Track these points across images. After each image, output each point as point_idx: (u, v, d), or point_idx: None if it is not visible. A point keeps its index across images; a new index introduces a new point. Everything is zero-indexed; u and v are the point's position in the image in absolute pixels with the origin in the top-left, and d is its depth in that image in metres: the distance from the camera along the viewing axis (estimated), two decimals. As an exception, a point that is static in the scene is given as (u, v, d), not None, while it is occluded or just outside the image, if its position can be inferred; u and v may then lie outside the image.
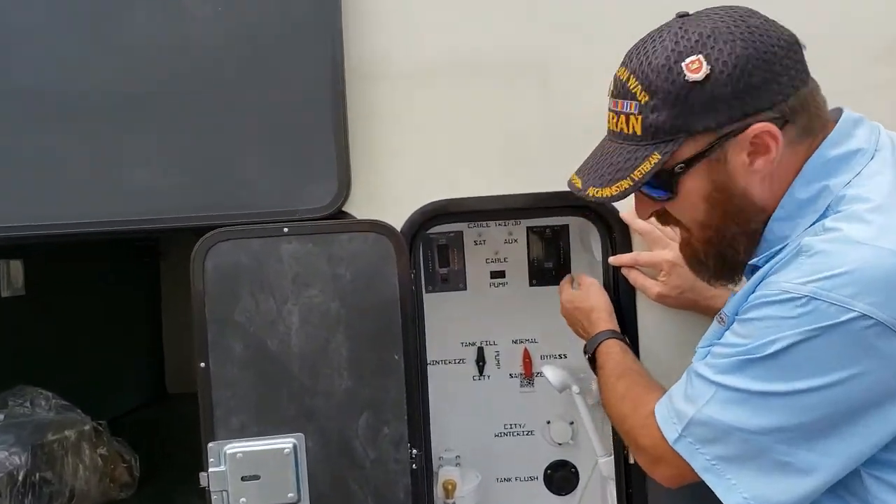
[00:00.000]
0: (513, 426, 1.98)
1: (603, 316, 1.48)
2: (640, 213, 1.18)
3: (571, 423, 1.96)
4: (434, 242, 1.94)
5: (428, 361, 1.91)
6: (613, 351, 1.40)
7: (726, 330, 1.09)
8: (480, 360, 1.96)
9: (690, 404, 1.06)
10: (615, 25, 1.45)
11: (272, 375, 1.43)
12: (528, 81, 1.51)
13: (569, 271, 1.95)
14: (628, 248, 1.52)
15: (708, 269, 1.16)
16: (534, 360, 1.96)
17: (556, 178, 1.52)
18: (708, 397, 1.04)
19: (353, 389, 1.45)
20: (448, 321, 1.94)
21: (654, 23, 1.11)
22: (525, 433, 1.98)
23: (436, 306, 1.91)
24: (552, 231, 1.94)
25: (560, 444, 1.96)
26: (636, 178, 1.06)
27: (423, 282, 1.88)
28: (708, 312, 1.48)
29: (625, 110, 1.07)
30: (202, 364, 1.41)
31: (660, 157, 1.04)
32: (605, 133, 1.16)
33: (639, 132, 1.05)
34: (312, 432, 1.45)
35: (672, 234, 1.49)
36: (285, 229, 1.42)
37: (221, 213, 1.40)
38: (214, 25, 1.42)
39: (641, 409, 1.19)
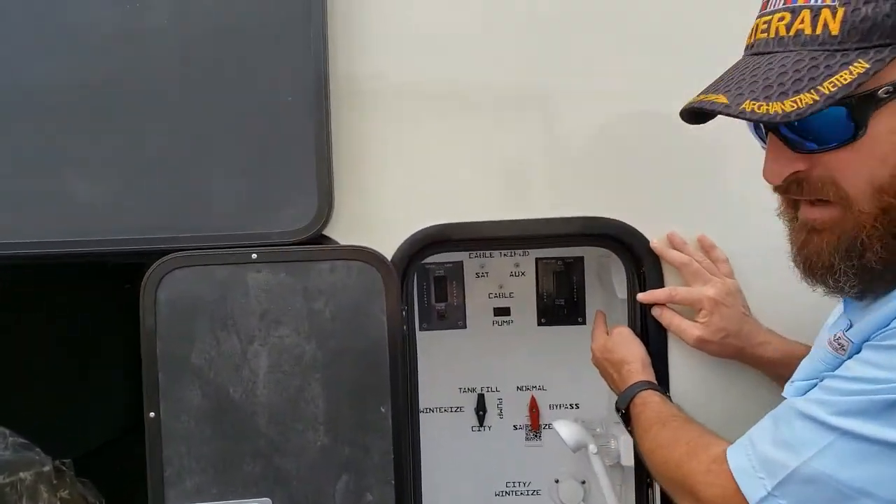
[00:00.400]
0: (516, 485, 1.74)
1: (636, 367, 1.25)
2: (774, 172, 0.83)
3: (583, 482, 1.72)
4: (430, 274, 1.72)
5: (420, 409, 1.68)
6: (651, 401, 1.17)
7: (847, 359, 0.84)
8: (481, 409, 1.73)
9: (790, 453, 0.81)
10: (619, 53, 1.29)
11: (235, 429, 1.20)
12: (533, 103, 1.31)
13: (583, 309, 1.73)
14: (659, 284, 1.30)
15: (847, 269, 0.81)
16: (542, 410, 1.73)
17: (567, 203, 1.32)
18: (821, 446, 0.79)
19: (330, 448, 1.22)
20: (444, 364, 1.72)
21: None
22: (530, 493, 1.74)
23: (431, 346, 1.70)
24: (564, 263, 1.73)
25: (570, 507, 1.72)
26: (827, 92, 0.73)
27: (416, 318, 1.66)
28: (755, 363, 1.26)
29: (809, 3, 0.76)
30: (151, 414, 1.18)
31: (868, 65, 0.73)
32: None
33: (835, 31, 0.75)
34: (281, 497, 1.22)
35: (713, 269, 1.27)
36: (254, 255, 1.20)
37: (177, 235, 1.18)
38: (178, 20, 1.21)
39: (702, 452, 0.96)
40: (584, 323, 1.73)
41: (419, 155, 1.30)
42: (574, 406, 1.74)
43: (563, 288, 1.73)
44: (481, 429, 1.74)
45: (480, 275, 1.73)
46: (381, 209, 1.30)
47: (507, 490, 1.74)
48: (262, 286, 1.21)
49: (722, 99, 0.79)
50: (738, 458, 0.89)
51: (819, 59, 0.75)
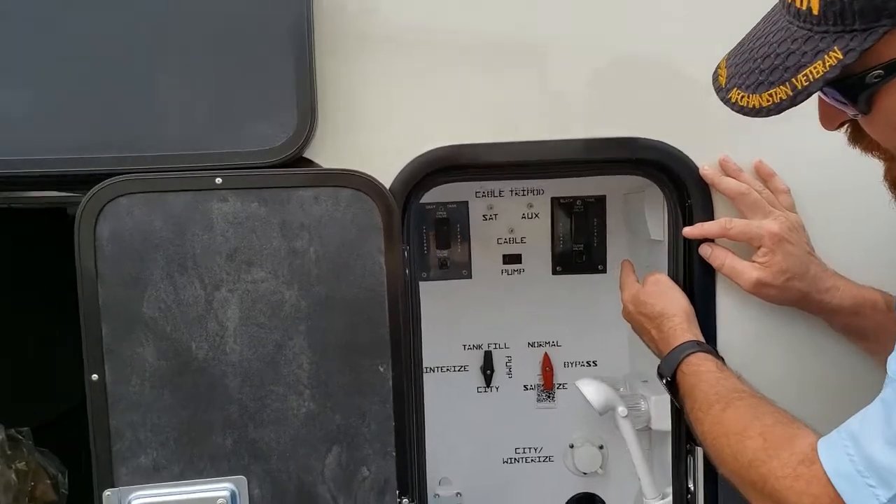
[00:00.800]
0: (527, 451, 1.55)
1: (679, 322, 1.04)
2: (823, 123, 0.80)
3: (601, 447, 1.54)
4: (431, 216, 1.50)
5: None
6: (704, 369, 0.96)
7: None
8: (488, 368, 1.52)
9: None
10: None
11: (199, 394, 0.99)
12: (564, 13, 1.07)
13: (604, 256, 1.52)
14: (708, 219, 1.09)
15: None
16: (556, 369, 1.53)
17: (601, 124, 1.09)
18: None
19: (318, 415, 1.01)
20: (447, 318, 1.51)
21: None
22: (542, 459, 1.56)
23: (431, 298, 1.48)
24: (584, 203, 1.51)
25: (586, 474, 1.54)
26: (799, 87, 0.71)
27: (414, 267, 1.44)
28: (821, 311, 1.06)
29: None
30: (94, 376, 0.96)
31: (842, 55, 0.68)
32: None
33: (815, 10, 0.68)
34: (259, 475, 1.01)
35: (773, 200, 1.06)
36: (218, 180, 0.97)
37: (122, 155, 0.95)
38: None
39: (785, 449, 0.77)
40: (604, 271, 1.52)
41: (427, 62, 1.06)
42: (592, 363, 1.54)
43: (582, 232, 1.51)
44: (488, 390, 1.54)
45: (488, 217, 1.51)
46: (375, 129, 1.06)
47: (517, 456, 1.55)
48: (229, 219, 0.98)
49: (723, 75, 0.81)
50: (837, 458, 0.71)
51: (799, 41, 0.71)
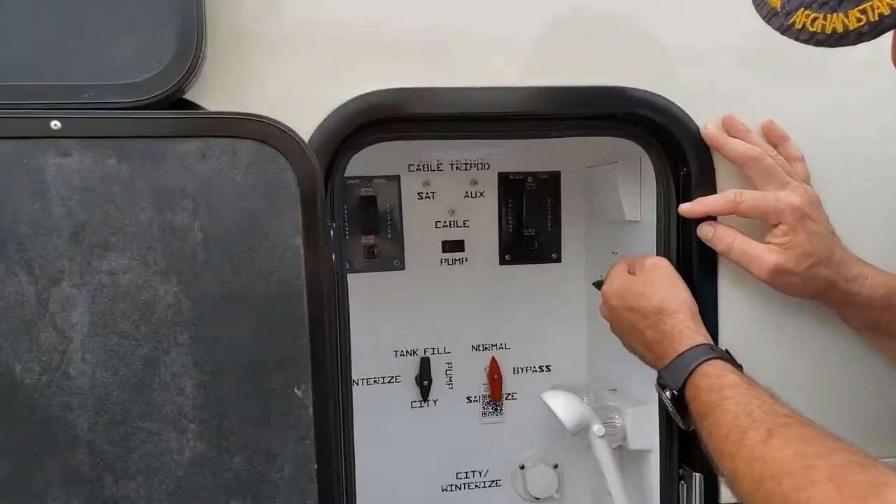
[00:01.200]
0: (471, 475, 1.31)
1: (683, 321, 0.82)
2: None
3: (555, 466, 1.31)
4: (353, 193, 1.22)
5: None
6: (728, 382, 0.74)
7: None
8: (425, 378, 1.27)
9: None
10: None
11: (27, 437, 0.68)
12: None
13: (558, 242, 1.29)
14: (708, 191, 0.88)
15: None
16: (504, 376, 1.29)
17: (582, 71, 0.87)
18: None
19: (208, 459, 0.72)
20: (375, 319, 1.24)
21: None
22: (489, 484, 1.32)
23: (355, 295, 1.21)
24: (537, 181, 1.27)
25: (539, 500, 1.31)
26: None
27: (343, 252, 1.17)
28: (846, 305, 0.87)
29: None
30: None
31: None
32: None
33: None
34: (122, 545, 0.71)
35: (788, 169, 0.86)
36: (56, 124, 0.66)
37: None
38: None
39: (870, 501, 0.55)
40: (558, 260, 1.29)
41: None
42: (545, 368, 1.32)
43: (534, 214, 1.28)
44: (424, 404, 1.28)
45: (424, 195, 1.25)
46: (288, 62, 0.79)
47: (459, 482, 1.30)
48: (73, 181, 0.67)
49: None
50: None
51: None
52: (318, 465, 0.74)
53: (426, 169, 1.24)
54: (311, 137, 0.78)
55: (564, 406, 1.01)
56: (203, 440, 0.72)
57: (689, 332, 0.80)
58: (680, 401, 0.77)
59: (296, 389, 0.74)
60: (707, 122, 0.87)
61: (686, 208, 0.86)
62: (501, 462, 1.31)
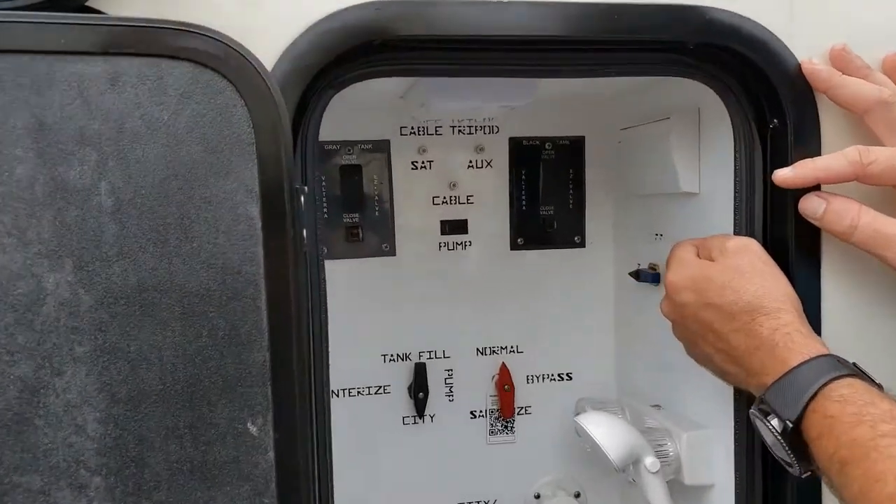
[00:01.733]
0: (474, 504, 1.09)
1: (791, 322, 0.60)
2: None
3: (577, 495, 1.10)
4: (332, 161, 0.99)
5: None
6: (879, 411, 0.52)
7: None
8: (420, 389, 1.04)
9: None
10: None
11: None
12: None
13: (582, 222, 1.08)
14: (810, 150, 0.66)
15: None
16: (517, 386, 1.07)
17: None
18: None
19: (119, 528, 0.49)
20: (359, 316, 1.01)
21: None
22: (495, 515, 1.10)
23: (334, 286, 0.98)
24: (556, 147, 1.05)
25: (555, 532, 1.10)
26: None
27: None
28: None
29: None
30: None
31: None
32: None
33: None
34: None
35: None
36: None
37: None
38: None
39: None
40: (582, 245, 1.08)
41: None
42: (565, 377, 1.10)
43: (553, 189, 1.06)
44: (420, 420, 1.06)
45: (420, 165, 1.03)
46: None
47: (460, 513, 1.08)
48: None
49: None
50: None
51: None
52: (281, 529, 0.52)
53: (422, 132, 1.02)
54: (275, 67, 0.55)
55: (609, 434, 0.79)
56: (113, 500, 0.49)
57: (801, 339, 0.58)
58: (796, 436, 0.55)
59: (249, 424, 0.52)
60: (810, 55, 0.65)
61: (785, 175, 0.64)
62: (512, 490, 1.08)
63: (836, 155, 0.62)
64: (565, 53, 0.65)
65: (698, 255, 0.69)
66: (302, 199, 0.54)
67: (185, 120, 0.48)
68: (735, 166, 0.72)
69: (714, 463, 0.81)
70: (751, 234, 0.70)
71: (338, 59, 0.58)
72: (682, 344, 0.71)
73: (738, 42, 0.64)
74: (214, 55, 0.48)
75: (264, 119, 0.50)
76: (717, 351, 0.65)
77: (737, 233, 0.72)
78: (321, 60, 0.57)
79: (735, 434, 0.76)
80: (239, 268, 0.51)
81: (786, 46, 0.65)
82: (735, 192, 0.71)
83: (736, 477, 0.72)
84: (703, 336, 0.66)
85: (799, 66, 0.65)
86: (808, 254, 0.67)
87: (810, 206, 0.64)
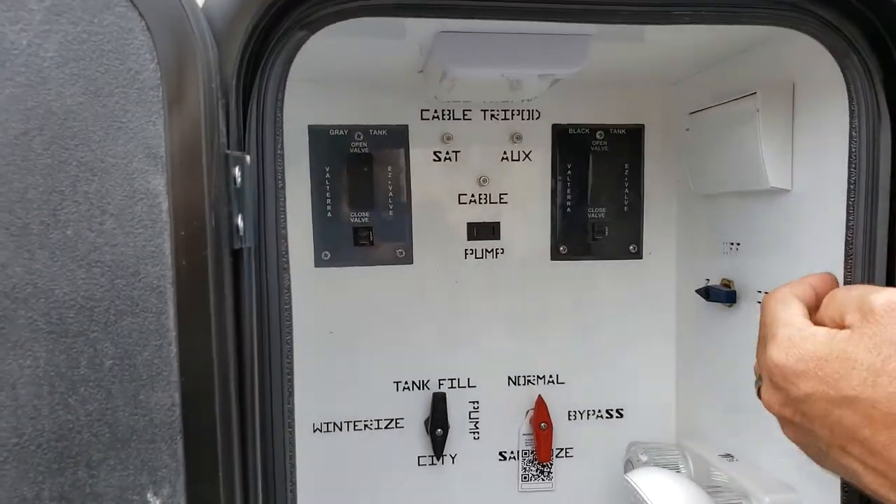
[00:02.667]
0: (503, 564, 0.91)
1: None
2: None
3: (627, 555, 0.90)
4: (339, 149, 0.84)
5: (315, 427, 0.83)
6: None
7: None
8: (438, 424, 0.87)
9: None
10: None
11: None
12: None
13: (639, 228, 0.89)
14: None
15: None
16: (556, 423, 0.89)
17: None
18: None
19: None
20: (367, 335, 0.85)
21: None
22: (528, 577, 0.91)
23: (339, 298, 0.83)
24: (609, 136, 0.87)
25: None
26: None
27: (311, 245, 0.80)
28: None
29: None
30: None
31: None
32: None
33: None
34: None
35: None
36: None
37: None
38: None
39: None
40: (638, 256, 0.89)
41: None
42: (614, 414, 0.91)
43: (605, 187, 0.88)
44: (438, 462, 0.88)
45: (443, 156, 0.86)
46: None
47: (486, 575, 0.90)
48: None
49: None
50: None
51: None
52: None
53: (447, 116, 0.85)
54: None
55: (668, 497, 0.60)
56: None
57: None
58: None
59: (149, 496, 0.35)
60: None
61: None
62: (548, 547, 0.90)
63: None
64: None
65: (816, 320, 0.47)
66: (237, 171, 0.38)
67: (54, 46, 0.33)
68: (850, 151, 0.53)
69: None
70: (872, 245, 0.51)
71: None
72: (803, 451, 0.49)
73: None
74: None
75: (177, 51, 0.34)
76: (866, 469, 0.43)
77: (848, 246, 0.52)
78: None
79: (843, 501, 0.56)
80: (135, 268, 0.35)
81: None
82: (850, 187, 0.52)
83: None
84: (842, 447, 0.43)
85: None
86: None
87: None
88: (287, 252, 0.45)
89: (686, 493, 0.61)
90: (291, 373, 0.47)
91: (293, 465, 0.47)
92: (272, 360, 0.44)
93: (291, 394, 0.47)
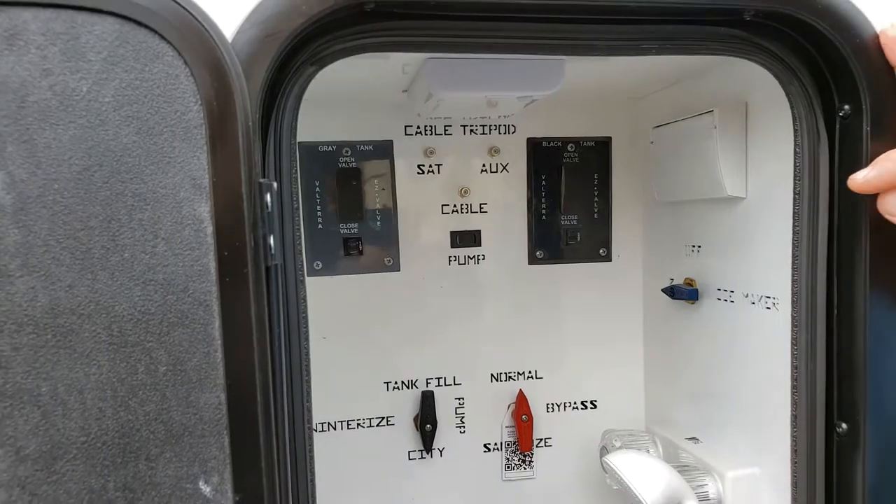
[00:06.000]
0: (489, 550, 0.97)
1: None
2: None
3: (605, 537, 0.97)
4: (328, 164, 0.89)
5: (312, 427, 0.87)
6: None
7: None
8: (427, 420, 0.93)
9: None
10: None
11: None
12: None
13: (608, 233, 0.96)
14: (893, 140, 0.55)
15: None
16: (536, 415, 0.96)
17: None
18: None
19: None
20: (358, 338, 0.90)
21: None
22: (512, 562, 0.97)
23: (329, 305, 0.88)
24: (579, 149, 0.94)
25: (580, 581, 0.97)
26: None
27: (301, 249, 0.85)
28: None
29: None
30: None
31: None
32: None
33: None
34: None
35: None
36: None
37: None
38: None
39: None
40: (608, 258, 0.96)
41: None
42: (589, 405, 0.98)
43: (576, 196, 0.94)
44: (427, 455, 0.94)
45: (426, 169, 0.92)
46: None
47: (473, 561, 0.96)
48: None
49: None
50: None
51: None
52: None
53: (429, 132, 0.91)
54: (239, 32, 0.45)
55: (643, 476, 0.67)
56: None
57: None
58: None
59: (201, 484, 0.40)
60: (892, 21, 0.53)
61: (865, 178, 0.52)
62: (531, 532, 0.97)
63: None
64: (600, 25, 0.54)
65: None
66: (268, 197, 0.43)
67: (111, 92, 0.38)
68: (795, 166, 0.60)
69: (767, 510, 0.69)
70: (814, 247, 0.59)
71: (320, 26, 0.47)
72: None
73: (804, 8, 0.53)
74: (148, 8, 0.37)
75: (218, 93, 0.40)
76: None
77: (795, 247, 0.60)
78: (297, 26, 0.46)
79: (793, 476, 0.63)
80: (185, 284, 0.40)
81: (861, 12, 0.53)
82: (795, 196, 0.60)
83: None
84: None
85: (877, 35, 0.53)
86: (885, 280, 0.55)
87: (889, 207, 0.52)
88: (304, 266, 0.50)
89: (658, 471, 0.68)
90: (309, 374, 0.52)
91: (312, 458, 0.52)
92: (292, 363, 0.49)
93: (309, 393, 0.52)
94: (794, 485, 0.62)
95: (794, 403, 0.61)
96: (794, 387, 0.61)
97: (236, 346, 0.41)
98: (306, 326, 0.51)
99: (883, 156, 0.52)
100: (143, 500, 0.40)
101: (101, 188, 0.38)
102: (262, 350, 0.41)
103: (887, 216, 0.53)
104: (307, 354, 0.51)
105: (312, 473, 0.52)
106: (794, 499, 0.62)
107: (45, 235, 0.37)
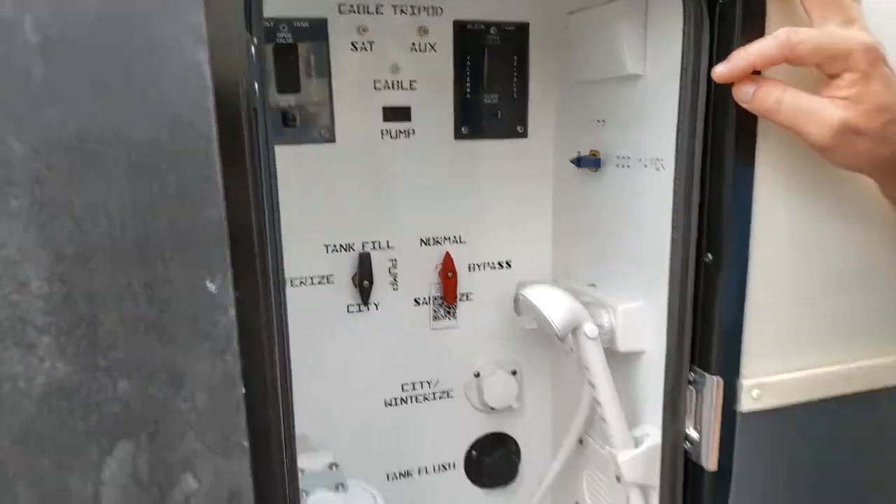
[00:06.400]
0: (418, 386, 1.12)
1: None
2: None
3: (514, 373, 1.14)
4: (266, 37, 0.94)
5: None
6: None
7: None
8: (365, 278, 1.04)
9: None
10: None
11: None
12: None
13: (524, 112, 1.07)
14: (758, 28, 0.67)
15: None
16: (460, 274, 1.09)
17: None
18: None
19: (75, 387, 0.48)
20: (297, 205, 0.99)
21: None
22: (439, 396, 1.13)
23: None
24: (501, 33, 1.03)
25: (495, 410, 1.15)
26: None
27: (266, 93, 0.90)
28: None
29: None
30: None
31: None
32: None
33: None
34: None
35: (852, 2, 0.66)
36: None
37: None
38: None
39: None
40: (524, 135, 1.08)
41: None
42: (504, 265, 1.12)
43: (498, 76, 1.04)
44: (364, 308, 1.06)
45: (360, 47, 0.99)
46: None
47: (405, 395, 1.11)
48: None
49: None
50: None
51: None
52: (244, 388, 0.51)
53: (362, 10, 0.97)
54: None
55: (552, 303, 0.81)
56: (65, 359, 0.47)
57: None
58: None
59: (207, 282, 0.50)
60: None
61: (722, 71, 0.65)
62: (454, 371, 1.12)
63: (766, 39, 0.63)
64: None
65: None
66: (252, 49, 0.51)
67: None
68: (683, 47, 0.72)
69: (645, 332, 0.86)
70: (693, 122, 0.72)
71: None
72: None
73: None
74: None
75: (210, -46, 0.46)
76: None
77: (680, 115, 0.73)
78: None
79: (669, 300, 0.79)
80: (189, 120, 0.48)
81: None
82: (681, 74, 0.72)
83: (668, 340, 0.76)
84: None
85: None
86: (745, 143, 0.69)
87: (742, 91, 0.66)
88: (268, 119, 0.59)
89: (561, 298, 0.82)
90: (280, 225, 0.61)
91: (283, 273, 0.63)
92: (273, 207, 0.59)
93: (279, 223, 0.62)
94: (669, 306, 0.78)
95: (673, 241, 0.76)
96: (674, 228, 0.76)
97: (232, 171, 0.49)
98: (273, 167, 0.60)
99: (735, 52, 0.65)
100: (161, 294, 0.49)
101: (115, 34, 0.45)
102: (253, 178, 0.50)
103: (739, 102, 0.66)
104: (278, 208, 0.61)
105: (283, 282, 0.62)
106: (669, 316, 0.78)
107: (69, 71, 0.44)
